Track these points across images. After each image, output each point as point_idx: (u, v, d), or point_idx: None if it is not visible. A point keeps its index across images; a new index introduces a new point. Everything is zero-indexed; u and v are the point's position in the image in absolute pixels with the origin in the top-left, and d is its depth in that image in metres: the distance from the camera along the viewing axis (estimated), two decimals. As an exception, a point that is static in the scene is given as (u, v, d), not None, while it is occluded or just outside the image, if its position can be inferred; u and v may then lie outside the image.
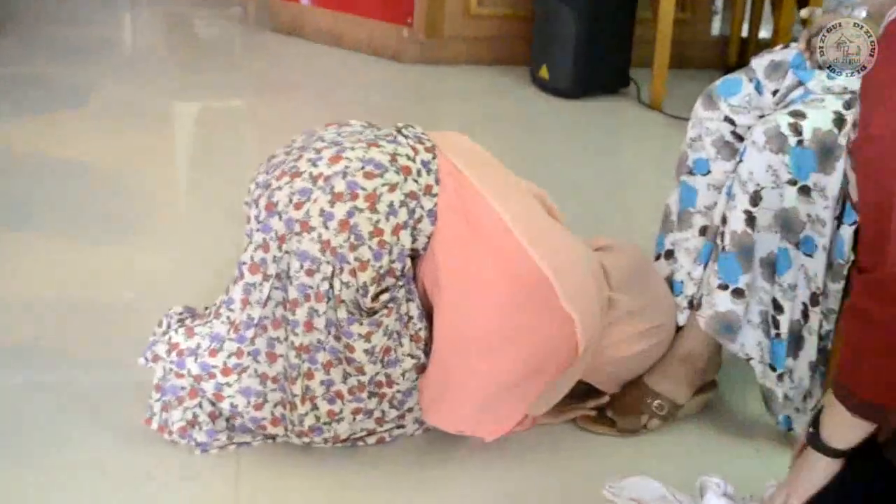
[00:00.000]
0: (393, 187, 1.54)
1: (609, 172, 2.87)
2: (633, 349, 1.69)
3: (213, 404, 1.62)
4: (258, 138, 2.92)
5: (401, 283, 1.56)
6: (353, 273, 1.52)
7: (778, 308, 1.65)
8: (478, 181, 1.59)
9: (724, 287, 1.68)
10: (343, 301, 1.52)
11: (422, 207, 1.56)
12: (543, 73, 3.38)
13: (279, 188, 1.55)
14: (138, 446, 1.64)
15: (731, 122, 1.73)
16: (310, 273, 1.52)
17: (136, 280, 2.12)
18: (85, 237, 2.29)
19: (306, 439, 1.60)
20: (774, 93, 1.71)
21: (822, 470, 1.27)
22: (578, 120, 3.20)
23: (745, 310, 1.67)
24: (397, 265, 1.56)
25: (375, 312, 1.55)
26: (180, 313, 1.70)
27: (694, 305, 1.74)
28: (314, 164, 1.56)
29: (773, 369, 1.69)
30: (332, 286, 1.52)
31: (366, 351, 1.54)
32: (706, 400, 1.81)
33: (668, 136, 2.94)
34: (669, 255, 1.82)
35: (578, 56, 3.27)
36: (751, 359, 1.70)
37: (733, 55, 3.64)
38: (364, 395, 1.58)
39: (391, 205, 1.54)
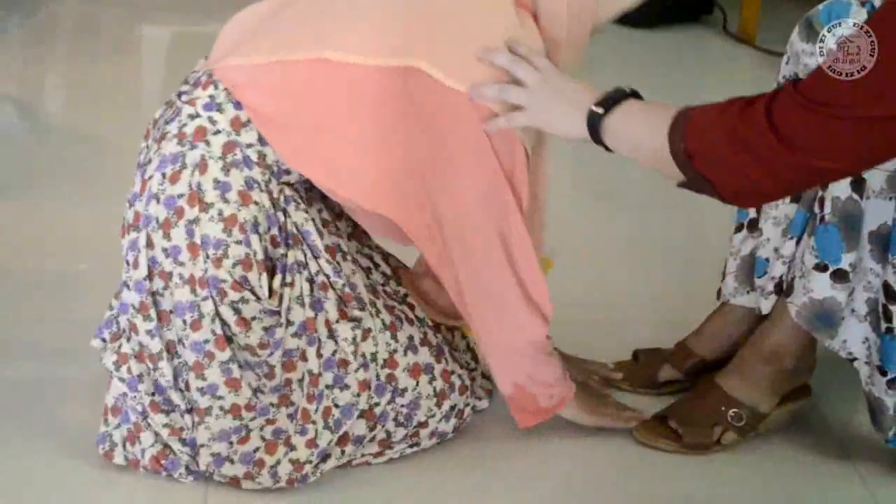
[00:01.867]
0: (203, 164, 1.53)
1: None
2: None
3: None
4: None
5: (284, 248, 1.55)
6: (237, 286, 1.52)
7: (891, 296, 1.64)
8: (270, 52, 1.53)
9: (822, 268, 1.67)
10: (252, 320, 1.53)
11: (250, 146, 1.53)
12: (605, -6, 3.37)
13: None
14: (94, 453, 1.63)
15: None
16: (195, 327, 1.54)
17: (90, 248, 2.12)
18: (24, 194, 2.31)
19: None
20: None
21: (567, 125, 1.49)
22: (648, 55, 3.21)
23: (849, 297, 1.67)
24: (274, 231, 1.54)
25: (282, 299, 1.55)
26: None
27: (783, 290, 1.73)
28: (131, 205, 1.59)
29: (884, 373, 1.68)
30: (223, 320, 1.53)
31: (295, 335, 1.56)
32: (796, 409, 1.81)
33: (762, 76, 2.89)
34: (753, 225, 1.82)
35: (650, -28, 3.27)
36: (855, 359, 1.70)
37: (846, -28, 3.62)
38: (321, 385, 1.58)
39: (216, 181, 1.52)
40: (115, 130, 2.59)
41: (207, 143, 1.53)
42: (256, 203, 1.53)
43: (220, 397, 1.57)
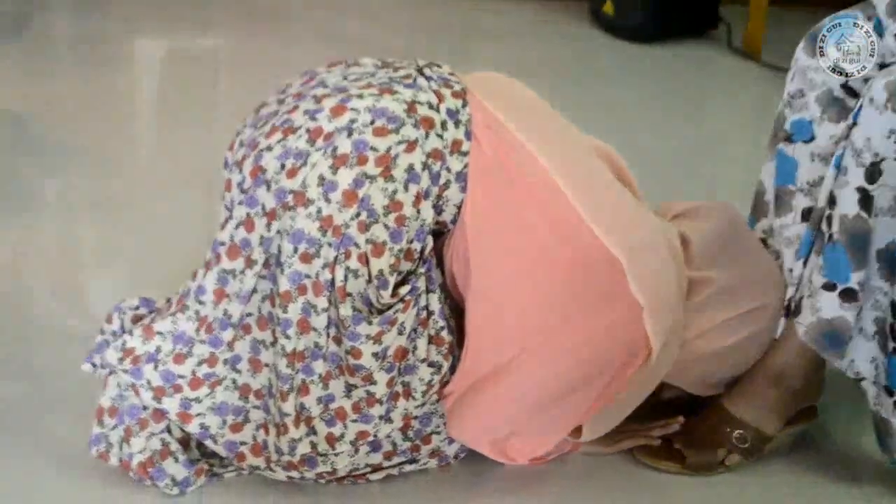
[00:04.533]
0: (412, 145, 1.55)
1: (689, 139, 2.87)
2: (729, 339, 1.69)
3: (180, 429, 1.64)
4: (238, 87, 2.93)
5: (421, 269, 1.57)
6: (364, 259, 1.53)
7: (899, 315, 1.67)
8: (524, 134, 1.59)
9: (830, 287, 1.67)
10: (349, 294, 1.53)
11: (448, 170, 1.57)
12: (608, 8, 3.40)
13: (269, 148, 1.56)
14: (70, 476, 1.64)
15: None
16: (306, 258, 1.53)
17: (76, 263, 2.15)
18: (16, 208, 2.30)
19: (294, 473, 1.61)
20: (899, 36, 1.74)
21: None
22: (651, 70, 3.21)
23: (857, 316, 1.67)
24: (416, 245, 1.56)
25: (389, 308, 1.56)
26: (135, 307, 1.72)
27: (791, 310, 1.74)
28: (312, 118, 1.56)
29: (891, 393, 1.68)
30: (334, 275, 1.53)
31: (375, 355, 1.55)
32: (802, 431, 1.82)
33: (767, 92, 2.92)
34: (763, 244, 1.82)
35: (654, -14, 3.33)
36: (862, 379, 1.70)
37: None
38: (374, 410, 1.58)
39: (410, 168, 1.54)
40: (109, 144, 2.59)
41: (427, 135, 1.55)
42: (420, 212, 1.55)
43: (238, 371, 1.58)
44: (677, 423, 1.77)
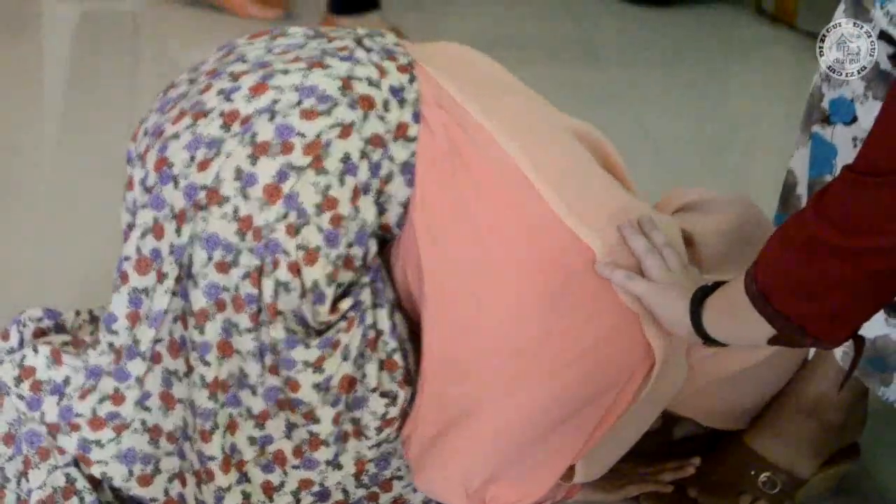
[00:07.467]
0: (347, 130, 1.53)
1: (710, 121, 2.88)
2: (750, 359, 1.67)
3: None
4: (161, 57, 3.02)
5: (365, 279, 1.55)
6: (296, 269, 1.51)
7: (957, 335, 1.62)
8: (484, 116, 1.56)
9: None
10: (279, 312, 1.51)
11: (391, 160, 1.54)
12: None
13: (175, 136, 1.54)
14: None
15: (891, 39, 1.69)
16: (222, 268, 1.51)
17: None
18: None
19: None
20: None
21: (677, 314, 1.49)
22: (667, 39, 3.29)
23: (907, 336, 1.64)
24: (356, 251, 1.54)
25: (329, 327, 1.53)
26: (38, 318, 1.69)
27: None
28: (228, 99, 1.54)
29: (948, 429, 1.68)
30: (260, 289, 1.49)
31: (316, 386, 1.53)
32: (841, 473, 1.80)
33: (802, 63, 2.96)
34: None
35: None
36: (914, 412, 1.67)
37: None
38: (319, 454, 1.56)
39: (346, 158, 1.52)
40: (10, 121, 2.62)
41: (365, 116, 1.53)
42: (359, 210, 1.52)
43: (147, 409, 1.57)
44: (692, 465, 1.75)
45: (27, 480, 1.59)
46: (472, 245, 1.53)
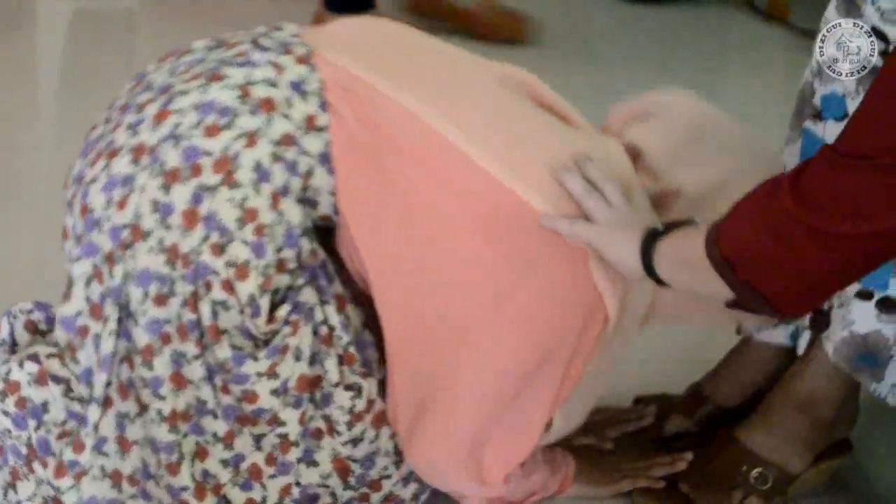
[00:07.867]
0: (252, 138, 1.51)
1: None
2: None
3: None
4: (156, 54, 2.94)
5: (301, 279, 1.53)
6: (229, 287, 1.50)
7: (949, 330, 1.64)
8: (394, 88, 1.54)
9: (865, 295, 1.67)
10: (223, 332, 1.51)
11: (306, 153, 1.52)
12: (610, -35, 3.42)
13: (94, 181, 1.54)
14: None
15: (883, 35, 1.69)
16: (160, 300, 1.50)
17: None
18: None
19: None
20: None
21: (626, 256, 1.50)
22: (661, 36, 3.26)
23: (898, 332, 1.66)
24: (288, 253, 1.52)
25: (276, 335, 1.53)
26: (28, 311, 1.68)
27: (818, 324, 1.73)
28: (134, 133, 1.54)
29: (940, 425, 1.68)
30: (198, 313, 1.50)
31: (274, 392, 1.53)
32: (833, 469, 1.80)
33: (795, 60, 2.79)
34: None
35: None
36: (905, 407, 1.69)
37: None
38: (290, 455, 1.56)
39: (257, 166, 1.50)
40: (4, 120, 2.60)
41: (269, 120, 1.51)
42: (282, 214, 1.51)
43: (105, 454, 1.53)
44: (684, 460, 1.75)
45: (15, 492, 1.59)
46: (408, 222, 1.52)
